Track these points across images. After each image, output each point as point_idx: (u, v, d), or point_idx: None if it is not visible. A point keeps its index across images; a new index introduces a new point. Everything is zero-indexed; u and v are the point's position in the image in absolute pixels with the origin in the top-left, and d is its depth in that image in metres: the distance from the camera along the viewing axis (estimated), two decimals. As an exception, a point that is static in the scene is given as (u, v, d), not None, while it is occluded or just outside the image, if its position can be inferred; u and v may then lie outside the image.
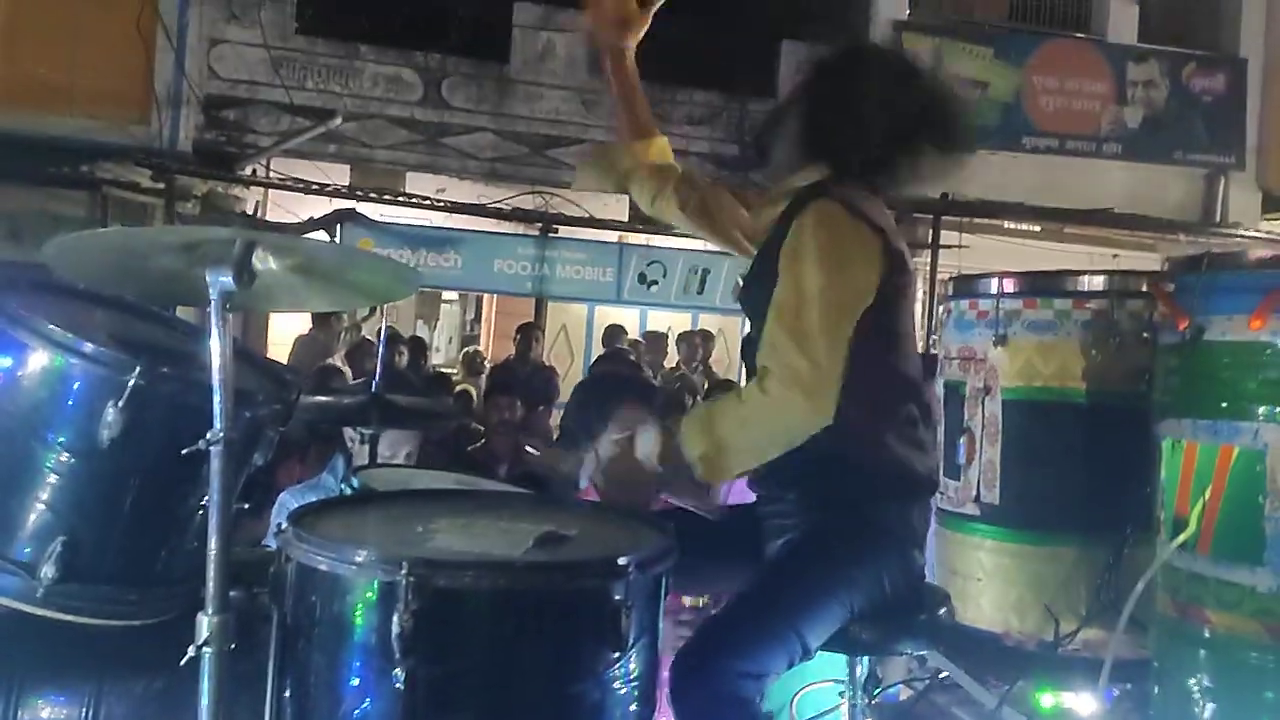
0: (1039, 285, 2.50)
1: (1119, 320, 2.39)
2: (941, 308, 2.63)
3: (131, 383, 1.54)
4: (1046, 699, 2.47)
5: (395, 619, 1.38)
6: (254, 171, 9.24)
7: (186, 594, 1.73)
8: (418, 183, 9.97)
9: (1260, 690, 1.86)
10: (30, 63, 8.50)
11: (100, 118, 8.41)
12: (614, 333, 8.63)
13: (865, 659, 2.12)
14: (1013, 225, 9.74)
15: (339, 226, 8.93)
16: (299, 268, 1.56)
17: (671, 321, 9.98)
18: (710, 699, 1.71)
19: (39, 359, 1.58)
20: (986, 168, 9.65)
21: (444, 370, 9.66)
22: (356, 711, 1.43)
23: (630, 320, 10.14)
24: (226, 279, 1.46)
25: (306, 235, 8.35)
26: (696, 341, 8.49)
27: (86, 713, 1.69)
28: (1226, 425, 1.92)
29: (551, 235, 9.52)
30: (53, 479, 1.58)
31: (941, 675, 2.57)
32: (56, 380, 1.57)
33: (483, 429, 5.83)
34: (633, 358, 7.98)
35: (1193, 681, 1.96)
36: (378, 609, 1.42)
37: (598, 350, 9.35)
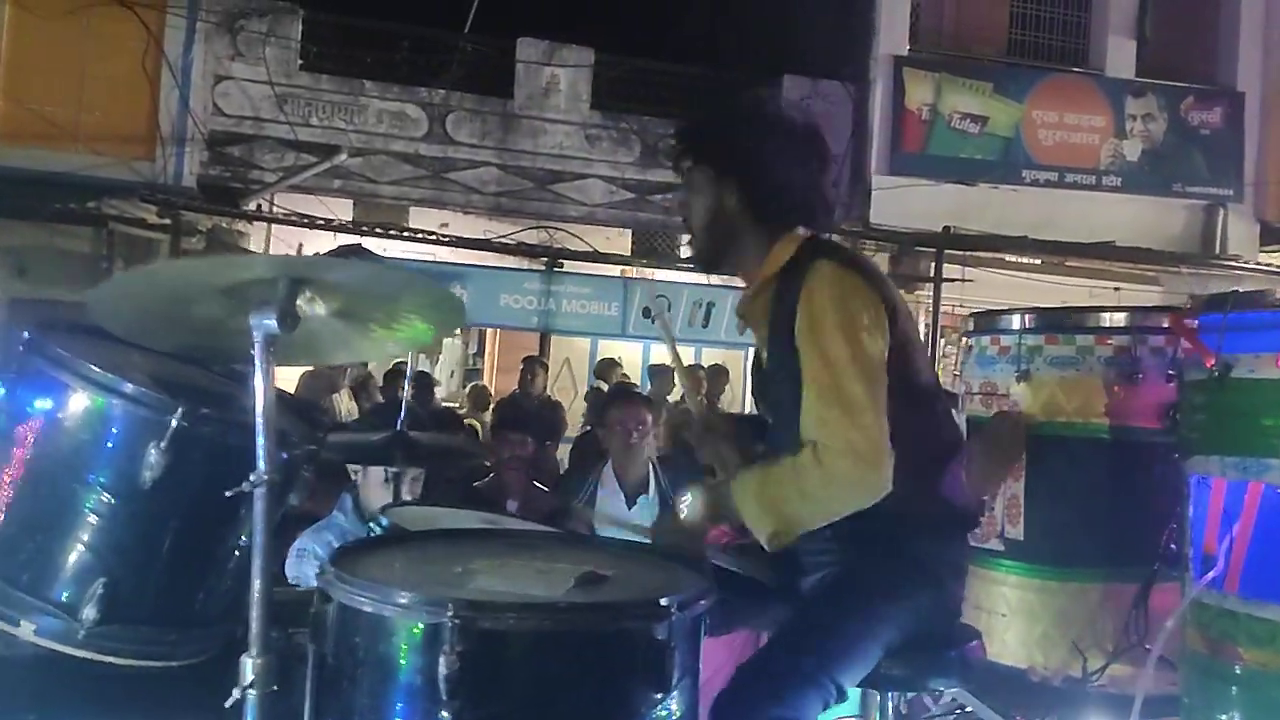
0: (1061, 321, 2.53)
1: (1141, 356, 2.41)
2: (962, 343, 2.65)
3: (174, 424, 1.55)
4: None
5: (441, 660, 1.37)
6: (259, 207, 9.30)
7: (222, 635, 1.73)
8: (421, 218, 10.04)
9: (1296, 728, 1.86)
10: (36, 100, 8.58)
11: (105, 154, 8.48)
12: (607, 366, 8.63)
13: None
14: (1014, 258, 9.81)
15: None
16: (342, 311, 1.57)
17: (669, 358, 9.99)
18: None
19: (80, 400, 1.59)
20: (988, 201, 9.76)
21: (448, 405, 9.65)
22: (402, 754, 1.43)
23: (633, 355, 10.17)
24: (270, 322, 1.47)
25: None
26: (700, 375, 8.49)
27: (122, 755, 1.69)
28: (1255, 462, 1.93)
29: (557, 270, 9.56)
30: (93, 520, 1.58)
31: (968, 709, 2.55)
32: (98, 421, 1.58)
33: (489, 465, 5.82)
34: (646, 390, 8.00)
35: (1224, 718, 1.96)
36: (423, 650, 1.42)
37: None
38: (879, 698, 2.13)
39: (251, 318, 1.48)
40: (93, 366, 1.57)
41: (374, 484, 2.97)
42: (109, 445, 1.58)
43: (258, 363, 1.49)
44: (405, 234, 9.44)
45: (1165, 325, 2.40)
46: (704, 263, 2.06)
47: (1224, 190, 10.33)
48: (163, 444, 1.55)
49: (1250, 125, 10.40)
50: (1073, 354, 2.47)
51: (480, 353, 12.25)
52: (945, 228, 9.22)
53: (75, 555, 1.57)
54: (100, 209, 8.28)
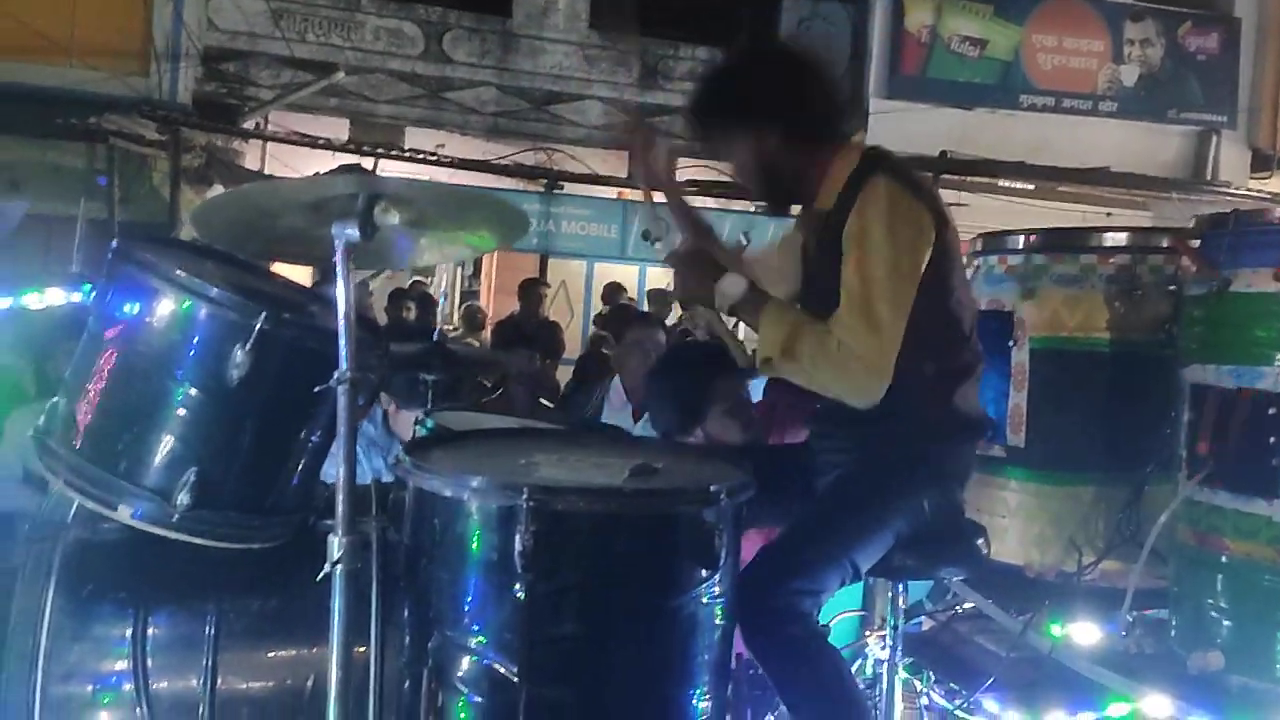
0: (1066, 241, 2.66)
1: (1141, 274, 2.55)
2: (970, 263, 2.78)
3: (258, 326, 1.67)
4: (1059, 628, 2.66)
5: (517, 539, 1.53)
6: (256, 125, 9.23)
7: (296, 522, 1.88)
8: (417, 138, 9.98)
9: (1273, 611, 2.06)
10: (28, 13, 8.43)
11: (99, 69, 8.37)
12: (614, 290, 8.73)
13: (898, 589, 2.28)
14: (1007, 184, 9.87)
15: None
16: (413, 221, 1.68)
17: (670, 278, 10.07)
18: (773, 614, 1.87)
19: (168, 304, 1.69)
20: (985, 126, 9.79)
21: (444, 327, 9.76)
22: (481, 622, 1.59)
23: (629, 277, 10.24)
24: (352, 231, 1.59)
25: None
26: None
27: (208, 629, 1.84)
28: (1248, 370, 2.09)
29: (556, 192, 9.57)
30: (183, 413, 1.70)
31: (967, 606, 2.75)
32: (187, 323, 1.69)
33: (493, 383, 5.97)
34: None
35: (1210, 603, 2.15)
36: (498, 530, 1.57)
37: (596, 306, 9.48)
38: (888, 590, 2.32)
39: (334, 227, 1.59)
40: (180, 272, 1.68)
41: (404, 420, 3.10)
42: (198, 345, 1.69)
43: (339, 268, 1.61)
44: (403, 155, 9.39)
45: (1165, 245, 2.54)
46: (778, 208, 2.18)
47: (1218, 117, 10.38)
48: (248, 345, 1.66)
49: (1245, 52, 10.41)
50: (1076, 272, 2.60)
51: (476, 274, 12.29)
52: (942, 152, 9.26)
53: (167, 445, 1.70)
54: (100, 125, 8.19)
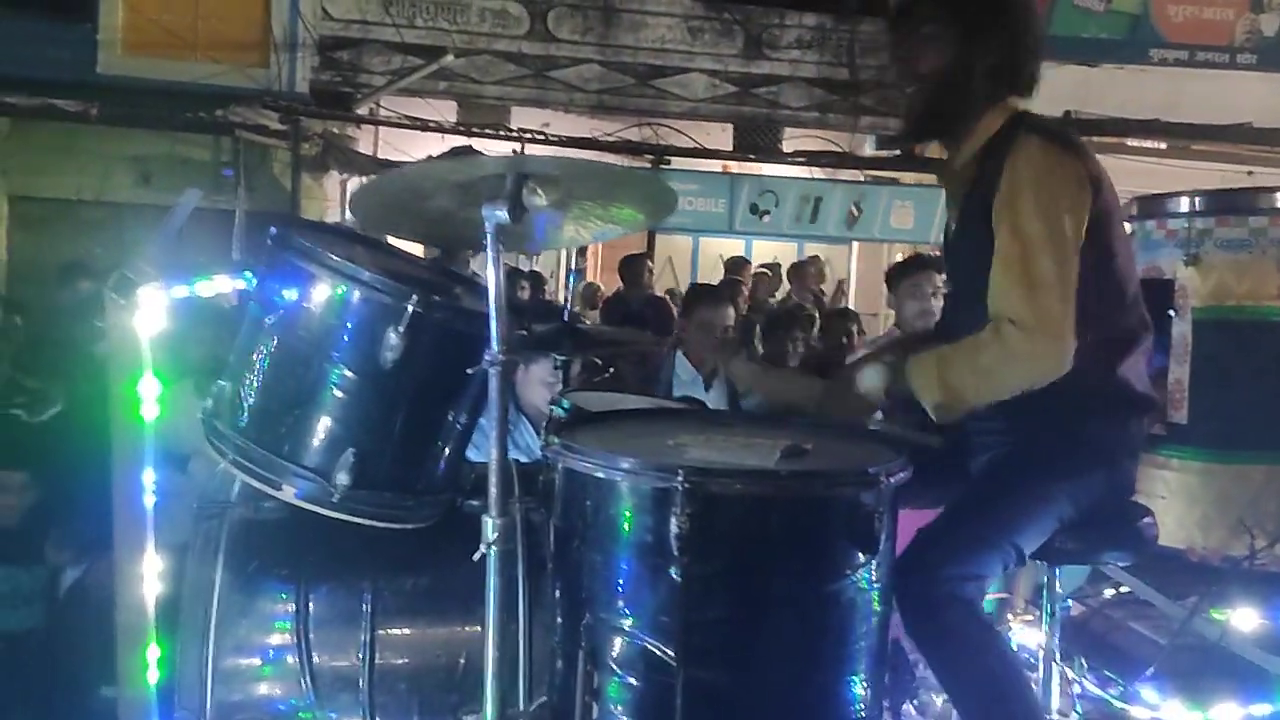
0: (1233, 203, 2.48)
1: (1317, 237, 2.36)
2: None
3: (410, 310, 1.68)
4: (1221, 614, 2.51)
5: (673, 520, 1.50)
6: (371, 111, 9.45)
7: (446, 502, 1.90)
8: (522, 117, 10.06)
9: None
10: (155, 10, 8.81)
11: (223, 62, 8.70)
12: (737, 264, 8.61)
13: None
14: (1136, 143, 9.36)
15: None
16: (559, 202, 1.66)
17: (776, 252, 9.95)
18: (935, 601, 1.81)
19: (324, 289, 1.73)
20: (1112, 83, 9.29)
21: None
22: (634, 604, 1.57)
23: (736, 251, 10.14)
24: (501, 213, 1.58)
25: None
26: (810, 271, 8.45)
27: (365, 606, 1.88)
28: None
29: (663, 167, 9.53)
30: (340, 395, 1.73)
31: (1123, 589, 2.62)
32: (342, 307, 1.72)
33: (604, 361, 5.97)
34: (746, 290, 8.02)
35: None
36: (653, 512, 1.55)
37: (704, 280, 9.40)
38: (1032, 573, 2.22)
39: (484, 209, 1.59)
40: (334, 257, 1.70)
41: (534, 379, 3.11)
42: (353, 329, 1.72)
43: (489, 249, 1.61)
44: (511, 135, 9.48)
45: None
46: (917, 128, 2.05)
47: (1371, 65, 9.61)
48: (401, 328, 1.68)
49: (1402, -8, 9.59)
50: (1245, 236, 2.43)
51: (583, 252, 12.35)
52: (1066, 112, 8.83)
53: (327, 427, 1.74)
54: (226, 117, 8.52)
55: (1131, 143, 9.34)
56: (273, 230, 1.75)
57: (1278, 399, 2.40)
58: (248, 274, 1.77)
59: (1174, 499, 2.52)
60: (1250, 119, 8.92)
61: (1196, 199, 2.52)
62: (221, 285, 1.80)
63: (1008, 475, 1.97)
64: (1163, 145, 9.27)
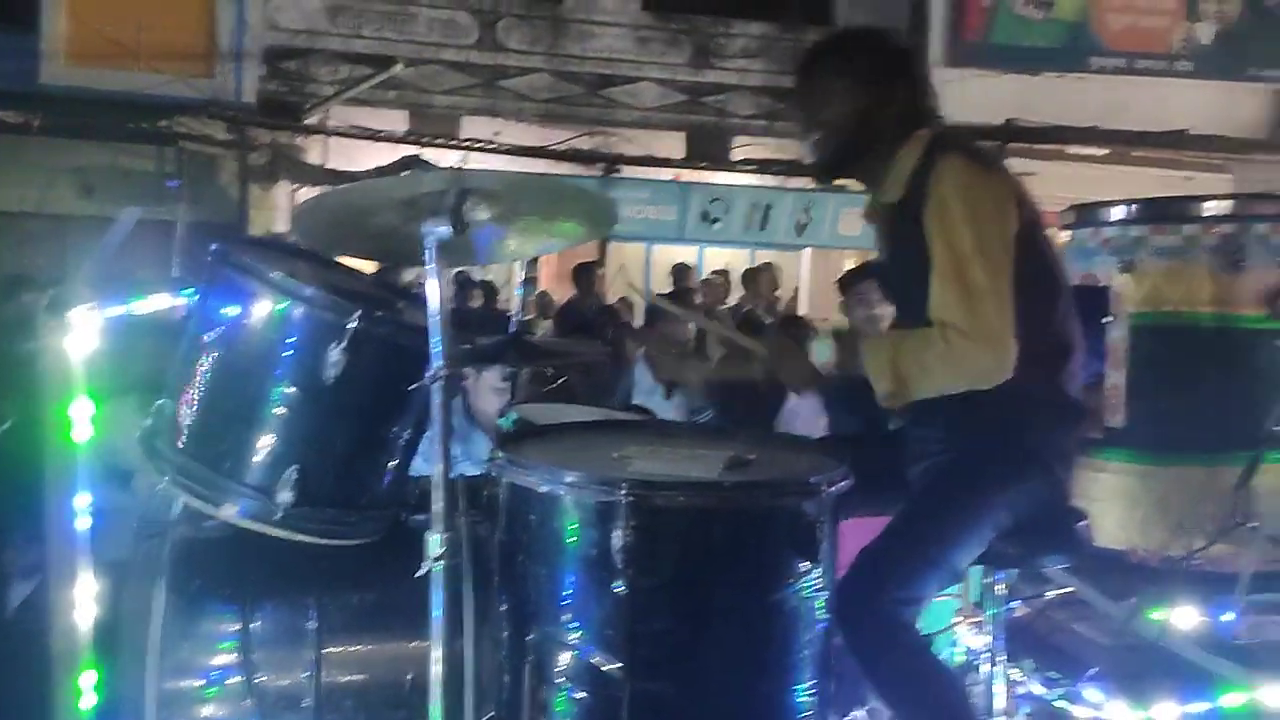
0: (1166, 211, 2.55)
1: (1246, 244, 2.44)
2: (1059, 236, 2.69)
3: (352, 326, 1.67)
4: (1159, 614, 2.57)
5: (617, 533, 1.51)
6: (318, 121, 9.36)
7: (390, 517, 1.89)
8: (473, 126, 10.03)
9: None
10: (98, 20, 8.63)
11: (166, 72, 8.55)
12: (682, 271, 8.65)
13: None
14: (1076, 151, 9.58)
15: (406, 174, 9.04)
16: (501, 216, 1.66)
17: (728, 259, 10.00)
18: (875, 625, 1.81)
19: (265, 305, 1.70)
20: (1053, 91, 9.50)
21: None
22: (580, 617, 1.58)
23: (688, 258, 10.17)
24: (444, 228, 1.58)
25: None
26: (763, 278, 8.50)
27: (310, 624, 1.86)
28: (1371, 342, 1.98)
29: (613, 175, 9.55)
30: (281, 412, 1.71)
31: (1066, 589, 2.67)
32: (283, 324, 1.70)
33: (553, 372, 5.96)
34: (699, 299, 8.05)
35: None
36: (597, 525, 1.56)
37: (657, 288, 9.43)
38: (981, 576, 2.25)
39: (425, 224, 1.58)
40: (276, 274, 1.68)
41: (485, 386, 3.10)
42: (295, 345, 1.70)
43: (431, 264, 1.60)
44: (461, 144, 9.44)
45: (1274, 213, 2.42)
46: (829, 171, 2.12)
47: (1302, 74, 9.95)
48: (343, 344, 1.66)
49: (1329, 4, 9.94)
50: (1179, 243, 2.50)
51: (534, 262, 12.31)
52: (1007, 120, 9.02)
53: (268, 444, 1.71)
54: (171, 128, 8.37)
55: (1071, 150, 9.57)
56: (213, 247, 1.73)
57: (1213, 402, 2.47)
58: (188, 290, 1.74)
59: (1115, 501, 2.58)
60: (1187, 126, 9.17)
61: (1131, 207, 2.58)
62: (160, 303, 1.77)
63: (946, 488, 1.99)
64: (1103, 152, 9.50)
